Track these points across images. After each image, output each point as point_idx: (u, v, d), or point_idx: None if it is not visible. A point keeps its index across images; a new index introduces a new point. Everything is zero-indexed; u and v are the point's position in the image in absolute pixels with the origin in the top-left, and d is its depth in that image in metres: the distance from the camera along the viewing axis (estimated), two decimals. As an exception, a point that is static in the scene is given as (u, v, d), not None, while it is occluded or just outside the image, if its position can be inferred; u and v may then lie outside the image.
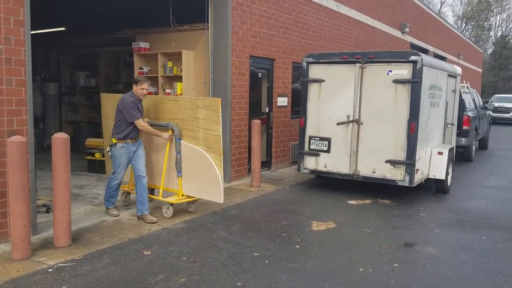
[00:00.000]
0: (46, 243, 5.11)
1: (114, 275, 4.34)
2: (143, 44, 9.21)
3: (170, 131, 6.28)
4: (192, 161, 6.21)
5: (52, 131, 10.21)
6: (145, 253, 4.94)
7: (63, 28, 12.21)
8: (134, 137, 6.12)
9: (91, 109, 12.91)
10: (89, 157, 9.18)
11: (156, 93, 9.09)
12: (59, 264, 4.55)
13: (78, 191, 7.58)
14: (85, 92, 13.06)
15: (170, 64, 8.83)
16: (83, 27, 11.58)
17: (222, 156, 5.98)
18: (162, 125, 6.41)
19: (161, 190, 6.41)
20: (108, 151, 6.15)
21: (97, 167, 9.08)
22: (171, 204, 6.22)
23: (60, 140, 4.97)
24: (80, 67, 13.13)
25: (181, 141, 6.27)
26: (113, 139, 6.04)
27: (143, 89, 6.04)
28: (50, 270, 4.42)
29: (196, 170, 6.18)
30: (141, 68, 9.24)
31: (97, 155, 9.03)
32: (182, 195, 6.33)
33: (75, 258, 4.72)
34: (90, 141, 9.45)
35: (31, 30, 5.15)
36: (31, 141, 5.12)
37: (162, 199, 6.31)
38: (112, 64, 12.48)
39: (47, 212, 6.10)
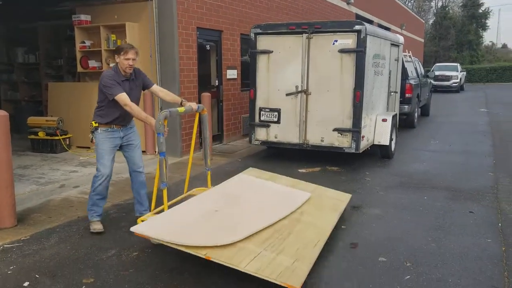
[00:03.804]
0: (-10, 225, 4.92)
1: (64, 253, 4.26)
2: (84, 17, 8.82)
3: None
4: None
5: (-10, 110, 9.68)
6: (96, 229, 4.87)
7: (-5, 1, 11.45)
8: (123, 123, 4.78)
9: (32, 86, 12.31)
10: (32, 136, 8.80)
11: (100, 68, 8.80)
12: (4, 245, 4.41)
13: (22, 171, 7.29)
14: (24, 69, 12.39)
15: (113, 37, 8.53)
16: (18, -1, 10.90)
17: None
18: None
19: None
20: (91, 139, 4.80)
21: (41, 147, 8.75)
22: None
23: (-2, 117, 4.75)
24: (17, 43, 12.40)
25: None
26: (93, 122, 4.69)
27: (128, 59, 4.55)
28: (-5, 252, 4.29)
29: None
30: (83, 42, 8.89)
31: (41, 134, 8.68)
32: None
33: (22, 239, 4.59)
34: (33, 120, 9.05)
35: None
36: (-34, 120, 4.85)
37: None
38: (52, 39, 11.88)
39: (-11, 194, 5.84)
